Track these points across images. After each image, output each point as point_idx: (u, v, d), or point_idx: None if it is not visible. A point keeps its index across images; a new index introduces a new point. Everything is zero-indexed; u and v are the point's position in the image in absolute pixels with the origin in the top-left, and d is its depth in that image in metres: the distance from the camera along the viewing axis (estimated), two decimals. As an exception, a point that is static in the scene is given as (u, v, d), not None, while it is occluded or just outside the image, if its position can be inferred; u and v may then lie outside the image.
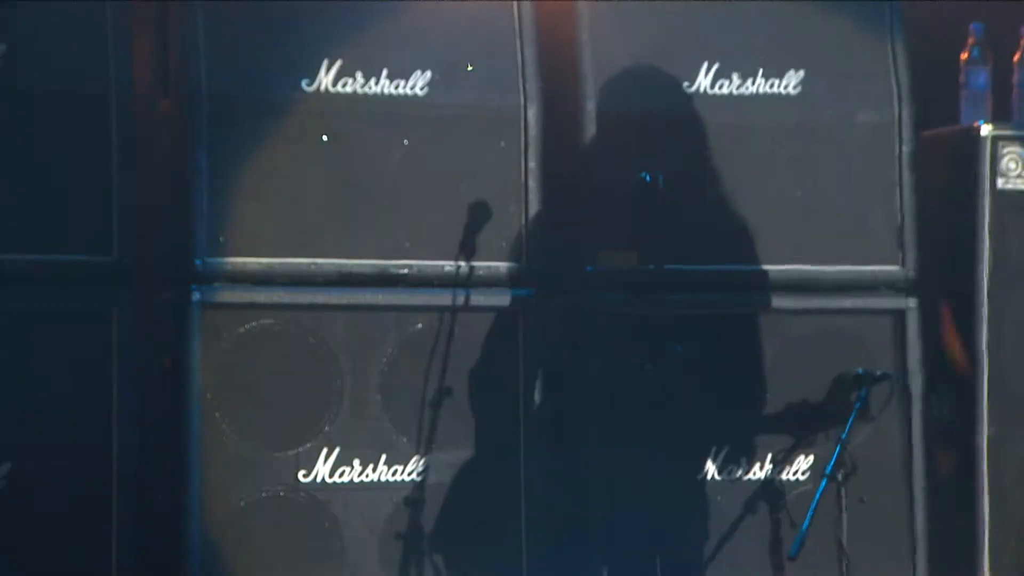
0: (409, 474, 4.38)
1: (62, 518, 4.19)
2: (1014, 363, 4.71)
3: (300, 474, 4.33)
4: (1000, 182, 4.69)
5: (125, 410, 4.24)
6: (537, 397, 4.45)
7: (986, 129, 4.70)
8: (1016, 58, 4.84)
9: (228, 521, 4.28)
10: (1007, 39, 4.87)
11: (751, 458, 4.58)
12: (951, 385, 4.72)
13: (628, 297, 4.49)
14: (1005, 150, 4.70)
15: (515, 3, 4.48)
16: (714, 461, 4.57)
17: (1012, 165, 4.70)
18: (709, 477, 4.56)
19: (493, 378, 4.44)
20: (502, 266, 4.44)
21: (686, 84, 4.55)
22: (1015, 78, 4.85)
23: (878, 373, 4.45)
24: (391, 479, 4.38)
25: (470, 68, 4.42)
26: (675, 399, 4.49)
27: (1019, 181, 4.71)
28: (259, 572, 4.30)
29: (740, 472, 4.58)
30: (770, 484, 4.57)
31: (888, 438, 4.61)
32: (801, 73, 4.61)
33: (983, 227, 4.69)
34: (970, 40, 4.84)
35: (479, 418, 4.44)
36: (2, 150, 4.19)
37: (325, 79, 4.36)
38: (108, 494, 4.22)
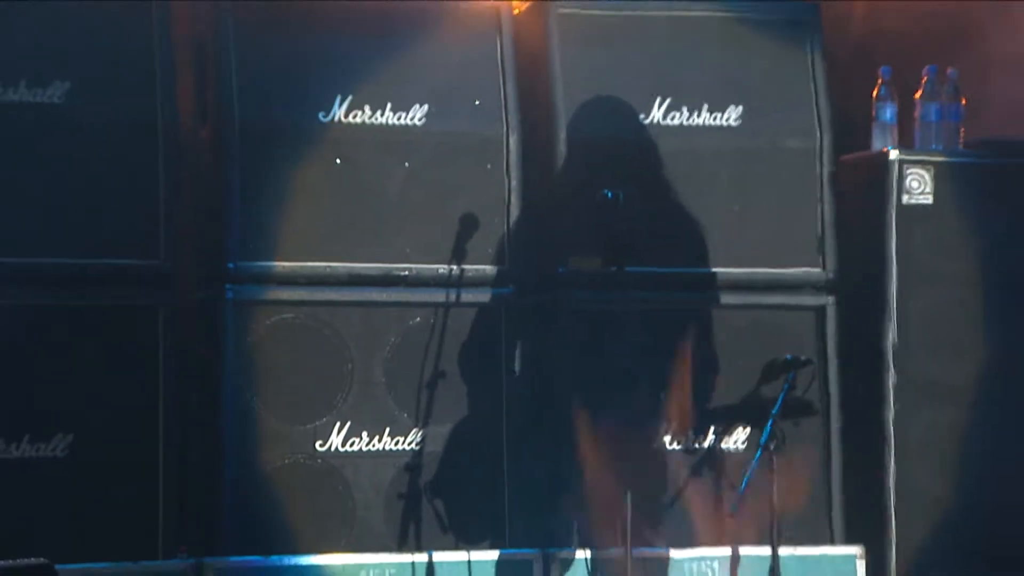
0: (409, 444, 4.34)
1: (115, 482, 4.14)
2: (916, 349, 4.63)
3: (317, 444, 4.29)
4: (905, 198, 4.63)
5: (169, 391, 4.19)
6: (517, 373, 4.39)
7: (893, 154, 4.65)
8: (917, 95, 4.79)
9: (257, 483, 4.25)
10: (912, 79, 4.81)
11: (699, 430, 4.52)
12: (863, 368, 4.64)
13: (594, 294, 4.42)
14: (909, 171, 4.64)
15: (498, 47, 4.43)
16: (669, 432, 4.49)
17: (915, 184, 4.64)
18: (665, 446, 4.49)
19: (480, 363, 4.39)
20: (487, 268, 4.40)
21: (643, 116, 4.51)
22: (917, 112, 4.80)
23: (803, 358, 4.40)
24: (394, 448, 4.33)
25: (476, 103, 4.38)
26: (635, 380, 4.42)
27: (921, 197, 4.64)
28: (283, 526, 4.23)
29: (691, 442, 4.51)
30: (714, 452, 4.51)
31: (809, 406, 4.50)
32: (740, 108, 4.57)
33: (891, 236, 4.62)
34: (880, 81, 4.78)
35: (468, 396, 4.39)
36: (67, 170, 4.12)
37: (338, 111, 4.32)
38: (155, 460, 4.17)
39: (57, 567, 3.91)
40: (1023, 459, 4.62)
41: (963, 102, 4.81)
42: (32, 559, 2.78)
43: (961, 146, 4.79)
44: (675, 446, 4.51)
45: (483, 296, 4.39)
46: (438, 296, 4.34)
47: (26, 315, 4.10)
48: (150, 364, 4.18)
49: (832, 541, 4.54)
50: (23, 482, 4.06)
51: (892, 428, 4.61)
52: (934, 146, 4.75)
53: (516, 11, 4.57)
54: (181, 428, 4.22)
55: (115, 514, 4.12)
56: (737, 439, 4.53)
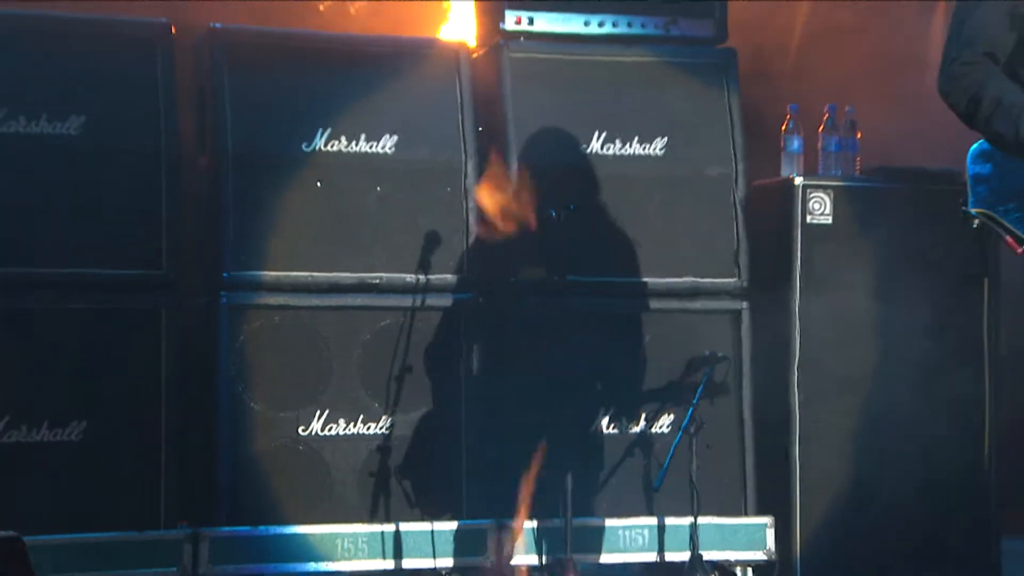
0: (380, 429, 4.35)
1: (123, 463, 4.15)
2: (817, 346, 4.65)
3: (300, 429, 4.30)
4: (808, 218, 4.65)
5: (171, 383, 4.18)
6: (474, 368, 4.40)
7: (798, 180, 4.67)
8: (820, 129, 4.84)
9: (248, 464, 4.25)
10: (815, 114, 4.86)
11: (631, 416, 4.55)
12: (772, 363, 4.66)
13: (541, 300, 4.43)
14: (812, 195, 4.66)
15: (458, 85, 4.43)
16: (606, 418, 4.54)
17: (817, 206, 4.66)
18: (601, 430, 4.53)
19: (442, 359, 4.41)
20: (449, 277, 4.41)
21: (583, 146, 4.52)
22: (819, 144, 4.84)
23: (720, 355, 4.47)
24: (366, 432, 4.34)
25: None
26: (576, 374, 4.43)
27: (822, 217, 4.66)
28: (270, 500, 4.24)
29: (624, 427, 4.54)
30: (644, 435, 4.54)
31: (726, 401, 4.57)
32: (665, 139, 4.58)
33: (796, 250, 4.64)
34: (788, 116, 4.83)
35: (432, 388, 4.41)
36: (83, 193, 4.12)
37: (319, 141, 4.33)
38: (158, 445, 4.17)
39: (72, 536, 3.99)
40: (909, 439, 4.64)
41: (858, 135, 4.85)
42: (2, 532, 2.67)
43: (857, 172, 4.81)
44: (611, 430, 4.53)
45: (445, 301, 4.40)
46: (406, 301, 4.35)
47: (47, 318, 4.09)
48: (154, 360, 4.17)
49: (745, 512, 4.57)
50: (43, 462, 4.05)
51: (797, 414, 4.63)
52: (833, 172, 4.78)
53: (474, 54, 4.59)
54: (182, 415, 4.21)
55: (123, 490, 4.13)
56: (663, 424, 4.55)
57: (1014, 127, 3.32)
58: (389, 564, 4.26)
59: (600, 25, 4.56)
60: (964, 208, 3.38)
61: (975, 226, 3.37)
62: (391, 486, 4.31)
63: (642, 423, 4.55)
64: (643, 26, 4.59)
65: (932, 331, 4.65)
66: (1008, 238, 3.34)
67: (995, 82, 3.38)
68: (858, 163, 4.84)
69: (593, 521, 4.41)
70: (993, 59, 3.43)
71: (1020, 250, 3.32)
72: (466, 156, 4.43)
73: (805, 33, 5.26)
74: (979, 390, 4.62)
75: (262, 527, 4.20)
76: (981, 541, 4.71)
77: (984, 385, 4.63)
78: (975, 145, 3.44)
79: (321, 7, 5.24)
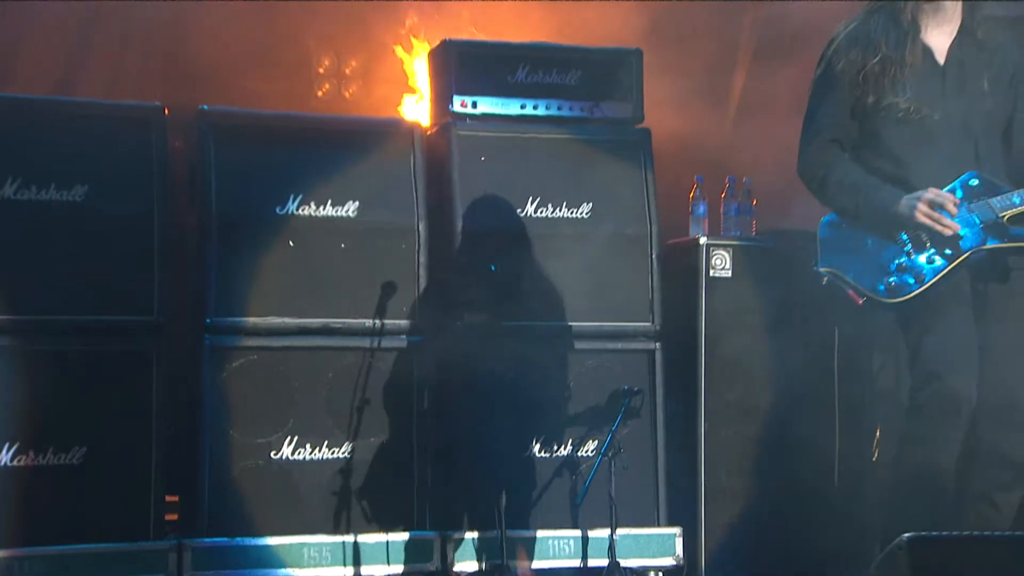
0: (342, 453, 4.40)
1: (118, 483, 4.20)
2: (720, 381, 4.76)
3: (272, 453, 4.35)
4: (711, 272, 4.75)
5: (161, 414, 4.23)
6: (425, 400, 4.47)
7: (703, 239, 4.78)
8: (722, 195, 4.99)
9: (227, 483, 4.30)
10: (718, 183, 5.02)
11: (559, 442, 4.61)
12: (682, 396, 4.76)
13: (482, 342, 4.50)
14: (714, 252, 4.76)
15: (412, 158, 4.52)
16: (537, 443, 4.61)
17: (718, 262, 4.77)
18: (534, 453, 4.60)
19: (396, 393, 4.46)
20: (402, 323, 4.47)
21: (519, 210, 4.61)
22: (721, 209, 4.98)
23: (636, 389, 4.55)
24: (331, 456, 4.39)
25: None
26: (513, 405, 4.53)
27: (723, 272, 4.76)
28: (246, 516, 4.29)
29: (553, 450, 4.61)
30: (570, 458, 4.61)
31: (642, 428, 4.66)
32: (590, 204, 4.67)
33: (701, 299, 4.74)
34: (695, 185, 4.96)
35: (388, 419, 4.47)
36: (85, 250, 4.18)
37: (292, 206, 4.41)
38: (149, 467, 4.20)
39: (72, 547, 4.02)
40: (802, 457, 4.71)
41: (754, 202, 5.02)
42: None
43: (753, 234, 4.96)
44: (542, 454, 4.60)
45: (399, 343, 4.46)
46: (364, 343, 4.41)
47: (51, 359, 4.14)
48: (146, 394, 4.19)
49: (657, 523, 4.64)
50: (49, 483, 4.11)
51: (703, 440, 4.72)
52: (733, 233, 4.92)
53: (428, 132, 4.69)
54: (169, 442, 4.27)
55: (118, 506, 4.16)
56: (587, 448, 4.62)
57: (854, 202, 3.60)
58: (349, 571, 4.30)
59: (535, 108, 4.67)
60: (815, 267, 3.63)
61: (824, 282, 3.61)
62: (351, 503, 4.34)
63: (569, 447, 4.61)
64: (571, 109, 4.69)
65: (816, 363, 4.74)
66: (850, 291, 3.59)
67: (839, 165, 3.66)
68: (754, 225, 4.99)
69: (526, 532, 4.47)
70: (840, 145, 3.71)
71: (860, 301, 3.58)
72: (418, 219, 4.50)
73: (715, 115, 5.42)
74: (862, 411, 4.67)
75: (239, 538, 4.22)
76: (870, 546, 4.71)
77: (866, 406, 4.68)
78: (825, 216, 3.71)
79: (319, 93, 5.44)
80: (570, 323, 4.59)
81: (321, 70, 5.62)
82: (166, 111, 4.35)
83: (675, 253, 4.84)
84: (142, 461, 4.19)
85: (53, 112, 4.25)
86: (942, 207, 3.52)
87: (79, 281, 4.17)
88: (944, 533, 3.08)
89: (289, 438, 4.37)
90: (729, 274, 4.76)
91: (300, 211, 4.41)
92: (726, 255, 4.78)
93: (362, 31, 5.49)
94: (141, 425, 4.20)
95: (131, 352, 4.23)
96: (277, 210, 4.39)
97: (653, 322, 4.69)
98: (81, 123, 4.22)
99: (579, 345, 4.62)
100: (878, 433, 4.51)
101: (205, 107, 4.41)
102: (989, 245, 3.54)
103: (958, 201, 3.55)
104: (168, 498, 4.25)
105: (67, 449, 4.14)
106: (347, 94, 5.52)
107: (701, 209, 4.96)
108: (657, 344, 4.69)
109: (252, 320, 4.35)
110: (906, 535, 2.92)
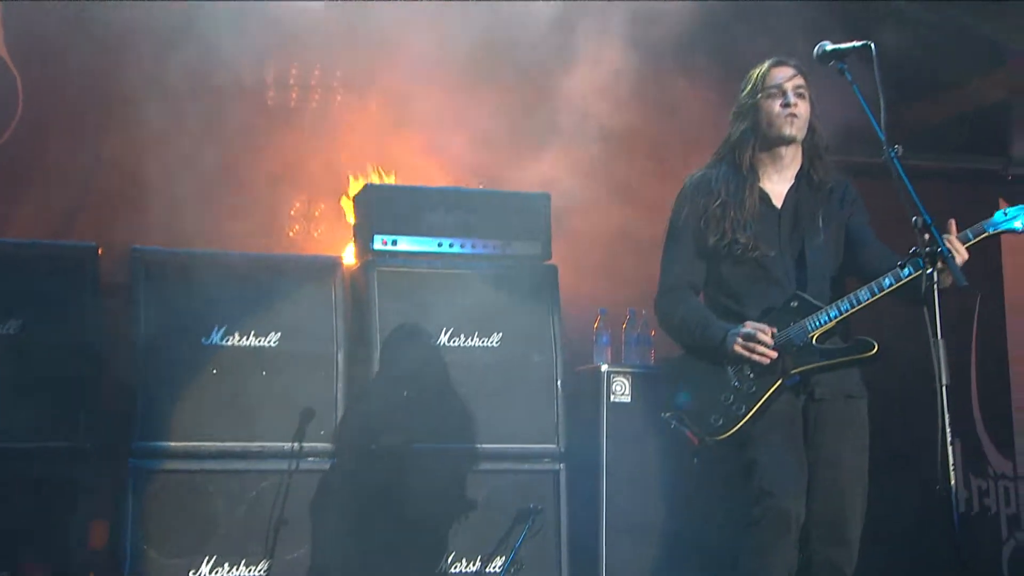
0: (259, 572, 4.22)
1: None
2: (621, 492, 4.54)
3: (191, 573, 4.16)
4: (612, 397, 4.64)
5: (86, 534, 4.05)
6: (343, 517, 4.28)
7: (605, 367, 4.67)
8: (623, 326, 4.88)
9: None
10: (620, 313, 4.91)
11: (470, 557, 4.44)
12: (584, 509, 4.54)
13: (396, 463, 4.32)
14: (615, 379, 4.65)
15: (333, 291, 4.42)
16: (449, 557, 4.42)
17: (619, 388, 4.65)
18: (446, 568, 4.42)
19: (315, 512, 4.29)
20: (319, 445, 4.33)
21: (433, 340, 4.50)
22: (623, 338, 4.88)
23: (540, 508, 4.42)
24: (247, 575, 4.21)
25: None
26: (427, 523, 4.35)
27: (623, 397, 4.65)
28: None
29: (463, 567, 4.43)
30: (479, 573, 4.42)
31: (546, 543, 4.48)
32: (500, 334, 4.57)
33: (603, 422, 4.59)
34: (598, 317, 4.86)
35: (309, 535, 4.28)
36: (20, 382, 4.02)
37: (216, 336, 4.30)
38: None
39: None
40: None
41: (652, 332, 4.88)
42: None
43: (652, 362, 4.84)
44: (454, 569, 4.41)
45: (317, 465, 4.31)
46: (283, 465, 4.26)
47: None
48: (75, 515, 4.02)
49: None
50: None
51: (604, 546, 4.52)
52: (634, 361, 4.80)
53: (353, 267, 4.60)
54: (91, 562, 4.07)
55: None
56: (495, 564, 4.44)
57: (692, 339, 3.58)
58: None
59: (450, 246, 4.59)
60: (662, 414, 3.59)
61: (672, 427, 3.57)
62: (267, 615, 4.17)
63: (478, 563, 4.44)
64: (484, 247, 4.62)
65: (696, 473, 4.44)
66: (688, 432, 3.55)
67: (683, 307, 3.70)
68: (652, 354, 4.88)
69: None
70: (692, 287, 3.74)
71: (697, 441, 3.55)
72: (337, 348, 4.40)
73: (617, 250, 5.31)
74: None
75: (154, 655, 4.02)
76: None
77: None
78: (670, 368, 3.66)
79: (291, 233, 5.34)
80: (480, 445, 4.46)
81: (292, 212, 5.55)
82: (99, 251, 4.25)
83: (580, 379, 4.76)
84: (67, 583, 4.01)
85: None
86: (755, 338, 3.48)
87: (13, 409, 4.04)
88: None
89: (207, 557, 4.20)
90: (628, 399, 4.66)
91: (224, 342, 4.30)
92: (626, 381, 4.68)
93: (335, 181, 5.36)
94: (70, 542, 4.05)
95: (63, 475, 4.07)
96: (202, 340, 4.28)
97: (558, 444, 4.56)
98: (19, 262, 4.13)
99: (488, 466, 4.48)
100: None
101: (137, 246, 4.32)
102: (799, 368, 3.51)
103: (772, 331, 3.52)
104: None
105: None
106: (316, 233, 5.43)
107: (604, 339, 4.86)
108: (562, 465, 4.55)
109: (175, 444, 4.20)
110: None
